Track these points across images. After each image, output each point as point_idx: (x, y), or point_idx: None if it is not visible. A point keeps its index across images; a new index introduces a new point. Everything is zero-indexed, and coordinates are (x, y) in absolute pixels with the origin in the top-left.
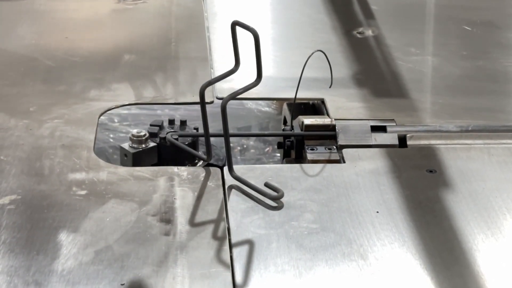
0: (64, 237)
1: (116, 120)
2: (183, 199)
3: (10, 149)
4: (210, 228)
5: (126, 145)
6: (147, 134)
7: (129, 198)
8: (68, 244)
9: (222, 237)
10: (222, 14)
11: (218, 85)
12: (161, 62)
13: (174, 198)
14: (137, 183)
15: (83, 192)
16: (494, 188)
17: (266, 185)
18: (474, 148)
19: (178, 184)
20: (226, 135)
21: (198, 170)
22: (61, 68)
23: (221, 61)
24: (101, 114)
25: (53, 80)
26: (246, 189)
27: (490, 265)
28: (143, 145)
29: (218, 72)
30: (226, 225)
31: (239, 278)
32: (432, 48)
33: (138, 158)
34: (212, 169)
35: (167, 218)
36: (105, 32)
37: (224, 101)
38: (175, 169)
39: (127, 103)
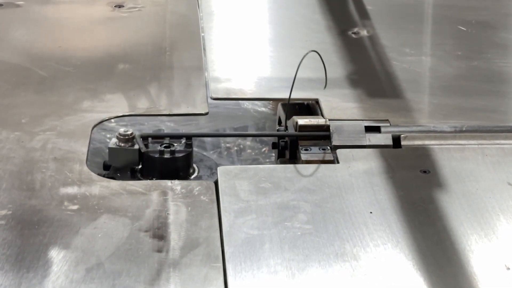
0: (55, 254)
1: (113, 120)
2: (176, 214)
3: (1, 162)
4: (203, 244)
5: (113, 141)
6: (134, 134)
7: (121, 213)
8: (59, 262)
9: (216, 254)
10: (218, 14)
11: (213, 85)
12: (155, 71)
13: (167, 213)
14: (130, 197)
15: (75, 207)
16: (487, 188)
17: None
18: (468, 149)
19: (172, 198)
20: None
21: (192, 184)
22: (54, 78)
23: (218, 61)
24: (94, 126)
25: (46, 91)
26: (240, 190)
27: (483, 265)
28: (128, 144)
29: (214, 73)
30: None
31: (231, 279)
32: (427, 48)
33: (114, 156)
34: (205, 182)
35: (159, 234)
36: (99, 40)
37: None
38: (168, 183)
39: (120, 114)
